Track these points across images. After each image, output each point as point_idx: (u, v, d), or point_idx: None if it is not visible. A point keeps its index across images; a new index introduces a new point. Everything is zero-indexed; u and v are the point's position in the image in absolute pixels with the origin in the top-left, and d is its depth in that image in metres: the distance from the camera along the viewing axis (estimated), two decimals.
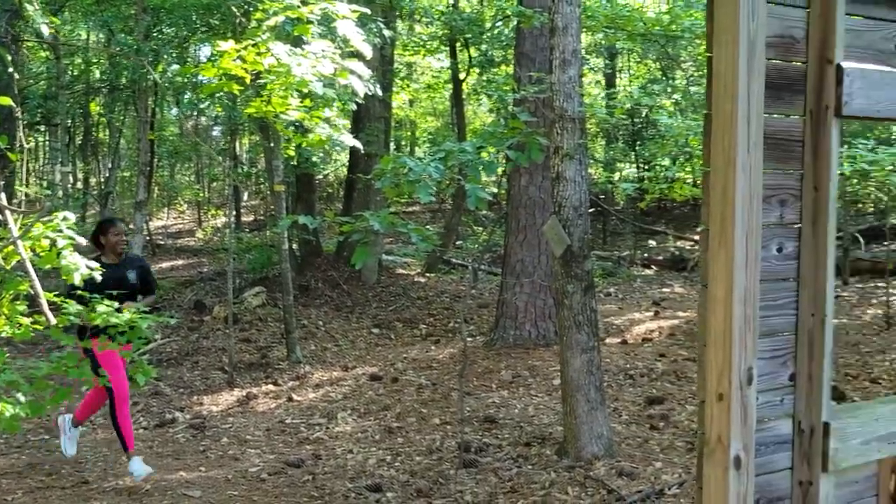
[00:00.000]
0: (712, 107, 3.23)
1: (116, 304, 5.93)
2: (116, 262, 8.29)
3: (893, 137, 20.85)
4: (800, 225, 3.43)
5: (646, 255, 22.82)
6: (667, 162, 15.65)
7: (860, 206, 24.83)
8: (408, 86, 26.17)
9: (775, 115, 3.34)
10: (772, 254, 3.37)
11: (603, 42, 20.19)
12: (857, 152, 9.69)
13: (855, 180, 18.11)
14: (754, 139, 3.16)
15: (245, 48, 6.41)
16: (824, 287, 3.40)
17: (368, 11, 7.60)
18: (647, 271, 21.30)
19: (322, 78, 6.44)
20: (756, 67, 3.15)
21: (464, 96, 23.99)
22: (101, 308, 5.86)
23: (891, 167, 9.83)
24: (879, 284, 16.92)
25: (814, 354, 3.44)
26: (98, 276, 5.70)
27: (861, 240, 20.91)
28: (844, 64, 3.34)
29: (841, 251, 18.98)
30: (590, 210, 7.83)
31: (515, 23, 12.84)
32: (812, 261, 3.42)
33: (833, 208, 3.40)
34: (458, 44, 21.65)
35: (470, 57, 21.88)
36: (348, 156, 21.37)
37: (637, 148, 24.82)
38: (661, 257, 22.40)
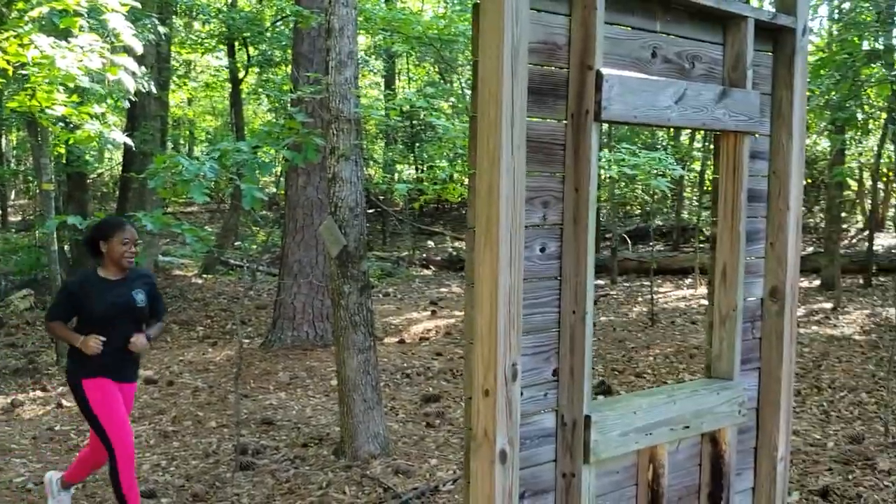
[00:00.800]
0: (478, 110, 3.30)
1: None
2: (120, 278, 6.25)
3: (659, 142, 21.80)
4: (562, 225, 3.55)
5: (424, 255, 23.10)
6: (445, 163, 15.91)
7: (628, 208, 25.90)
8: (185, 84, 25.61)
9: (538, 119, 3.45)
10: (535, 253, 3.48)
11: (381, 44, 20.30)
12: (621, 156, 10.10)
13: (623, 183, 18.87)
14: (518, 142, 3.24)
15: (6, 39, 6.14)
16: (585, 285, 3.52)
17: (139, 6, 7.39)
18: (426, 271, 21.56)
19: (90, 72, 6.23)
20: (519, 72, 3.24)
21: (243, 96, 23.68)
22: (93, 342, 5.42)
23: (655, 171, 10.28)
24: (645, 283, 17.66)
25: (575, 350, 3.57)
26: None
27: (629, 241, 21.80)
28: (604, 70, 3.47)
29: (610, 251, 19.73)
30: (369, 211, 7.88)
31: (294, 23, 12.76)
32: (573, 260, 3.54)
33: (593, 209, 3.52)
34: (236, 43, 21.37)
35: (249, 56, 21.62)
36: (123, 154, 20.75)
37: (416, 149, 25.08)
38: (439, 257, 22.71)
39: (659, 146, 21.62)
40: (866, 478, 7.22)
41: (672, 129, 20.76)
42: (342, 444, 7.95)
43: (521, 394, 3.43)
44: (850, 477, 7.26)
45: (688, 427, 4.01)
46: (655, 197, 23.63)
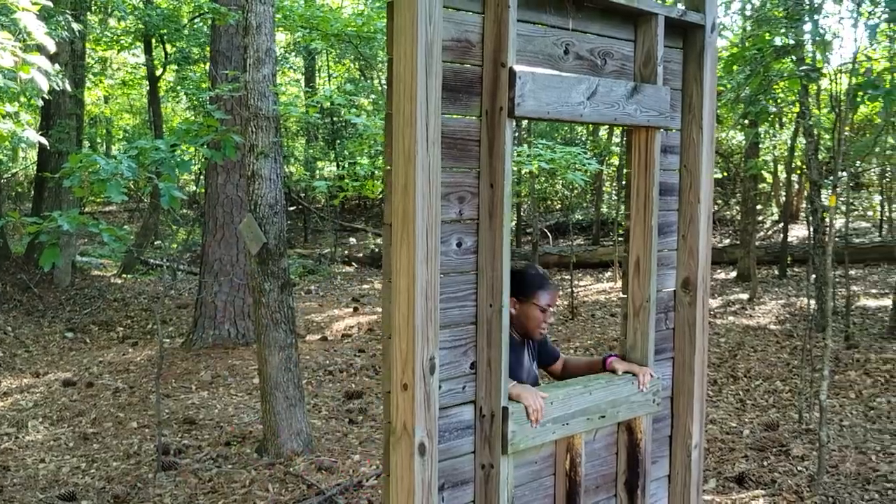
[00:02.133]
0: (393, 107, 3.34)
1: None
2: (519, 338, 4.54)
3: (578, 137, 22.00)
4: (478, 220, 3.60)
5: (346, 252, 23.06)
6: (366, 160, 15.92)
7: (549, 203, 26.11)
8: (102, 82, 25.22)
9: (453, 116, 3.49)
10: (452, 248, 3.52)
11: (301, 41, 20.22)
12: (539, 152, 10.20)
13: (543, 178, 19.03)
14: (433, 138, 3.28)
15: None
16: (501, 278, 3.57)
17: (51, 4, 7.30)
18: (348, 268, 21.54)
19: (1, 71, 6.14)
20: (434, 70, 3.28)
21: (161, 93, 23.39)
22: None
23: (572, 165, 10.39)
24: (566, 277, 17.83)
25: (492, 343, 3.62)
26: None
27: (549, 235, 21.99)
28: (517, 67, 3.53)
29: (531, 246, 19.90)
30: (290, 208, 7.87)
31: (211, 20, 12.66)
32: (489, 254, 3.59)
33: (508, 204, 3.58)
34: (153, 40, 21.10)
35: (166, 53, 21.36)
36: (38, 153, 20.39)
37: (337, 147, 25.02)
38: (361, 254, 22.70)
39: (578, 141, 21.85)
40: (781, 463, 7.40)
41: (591, 125, 20.97)
42: (265, 441, 7.94)
43: (440, 387, 3.48)
44: (764, 463, 7.43)
45: (604, 416, 4.09)
46: (575, 192, 23.89)
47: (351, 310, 15.50)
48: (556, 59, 3.83)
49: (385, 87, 16.67)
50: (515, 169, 13.03)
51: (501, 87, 3.53)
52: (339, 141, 24.84)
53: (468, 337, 3.63)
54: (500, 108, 3.53)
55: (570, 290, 15.79)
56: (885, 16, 8.60)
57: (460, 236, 3.55)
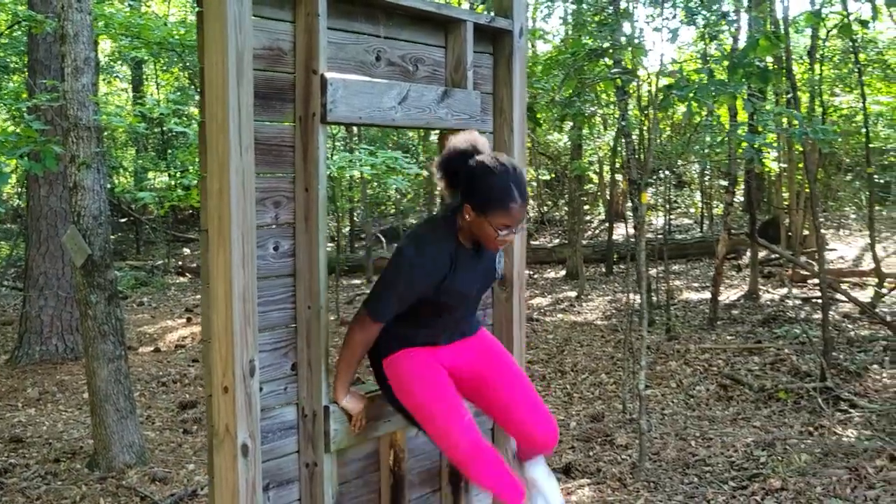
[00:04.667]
0: (206, 114, 3.39)
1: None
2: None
3: (410, 142, 22.15)
4: (294, 224, 3.68)
5: (180, 262, 22.73)
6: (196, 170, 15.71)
7: (382, 208, 26.24)
8: None
9: (267, 122, 3.56)
10: (269, 252, 3.59)
11: (125, 49, 19.83)
12: (361, 157, 10.32)
13: (376, 184, 19.14)
14: (246, 144, 3.34)
15: None
16: (318, 281, 3.66)
17: None
18: (182, 279, 21.23)
19: None
20: (245, 77, 3.34)
21: None
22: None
23: (396, 168, 10.54)
24: None
25: (311, 344, 3.71)
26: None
27: (383, 239, 22.13)
28: (328, 74, 3.62)
29: (365, 251, 20.01)
30: (122, 220, 7.76)
31: (28, 29, 12.34)
32: (306, 257, 3.68)
33: (323, 208, 3.67)
34: None
35: None
36: None
37: (168, 156, 24.60)
38: (194, 264, 22.37)
39: (411, 146, 22.05)
40: (605, 453, 7.69)
41: (425, 131, 21.20)
42: (96, 456, 7.82)
43: (261, 389, 3.54)
44: (590, 453, 7.71)
45: None
46: (409, 196, 24.08)
47: (185, 320, 15.32)
48: (368, 66, 3.94)
49: None
50: (347, 175, 13.12)
51: (314, 94, 3.61)
52: (170, 150, 24.42)
53: (288, 339, 3.70)
54: (312, 114, 3.62)
55: None
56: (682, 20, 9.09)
57: (277, 240, 3.62)
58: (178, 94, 17.20)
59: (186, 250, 24.89)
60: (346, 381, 3.85)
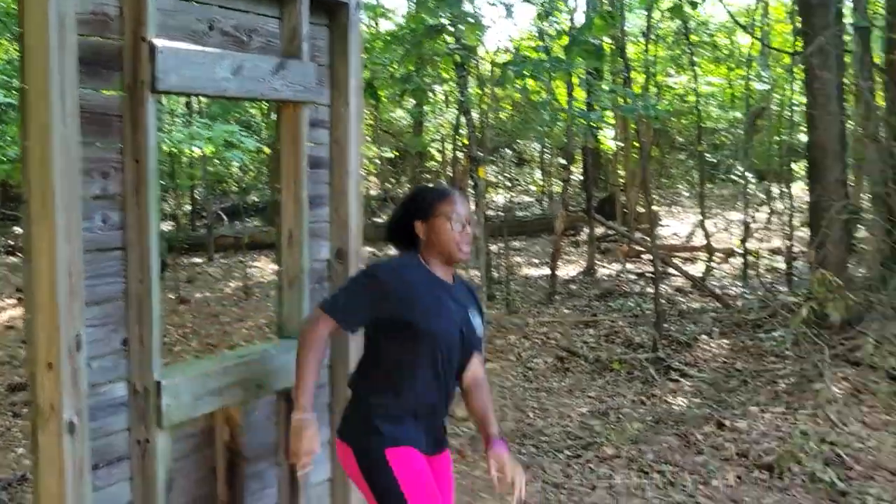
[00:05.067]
0: (26, 81, 3.26)
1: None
2: (448, 280, 3.84)
3: (253, 119, 21.86)
4: (123, 196, 3.57)
5: (10, 242, 21.93)
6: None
7: (224, 185, 25.86)
8: None
9: (93, 91, 3.44)
10: (96, 224, 3.48)
11: None
12: (197, 130, 10.15)
13: (217, 161, 18.84)
14: (70, 111, 3.23)
15: None
16: (149, 254, 3.57)
17: None
18: (13, 258, 20.48)
19: None
20: (68, 43, 3.22)
21: None
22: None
23: (234, 143, 10.40)
24: (241, 259, 17.77)
25: (143, 319, 3.61)
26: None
27: (225, 217, 21.81)
28: (157, 42, 3.52)
29: (206, 229, 19.69)
30: None
31: None
32: (137, 229, 3.58)
33: (154, 179, 3.57)
34: None
35: None
36: None
37: None
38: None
39: (254, 123, 21.77)
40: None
41: (267, 104, 20.94)
42: None
43: (89, 365, 3.43)
44: None
45: (261, 387, 4.17)
46: (250, 174, 23.78)
47: (15, 300, 14.80)
48: (200, 35, 3.85)
49: None
50: (188, 151, 12.87)
51: (142, 62, 3.51)
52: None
53: (118, 314, 3.60)
54: (141, 82, 3.51)
55: (245, 271, 15.78)
56: None
57: (105, 212, 3.51)
58: (7, 65, 16.51)
59: (17, 229, 24.01)
60: (306, 388, 3.69)
